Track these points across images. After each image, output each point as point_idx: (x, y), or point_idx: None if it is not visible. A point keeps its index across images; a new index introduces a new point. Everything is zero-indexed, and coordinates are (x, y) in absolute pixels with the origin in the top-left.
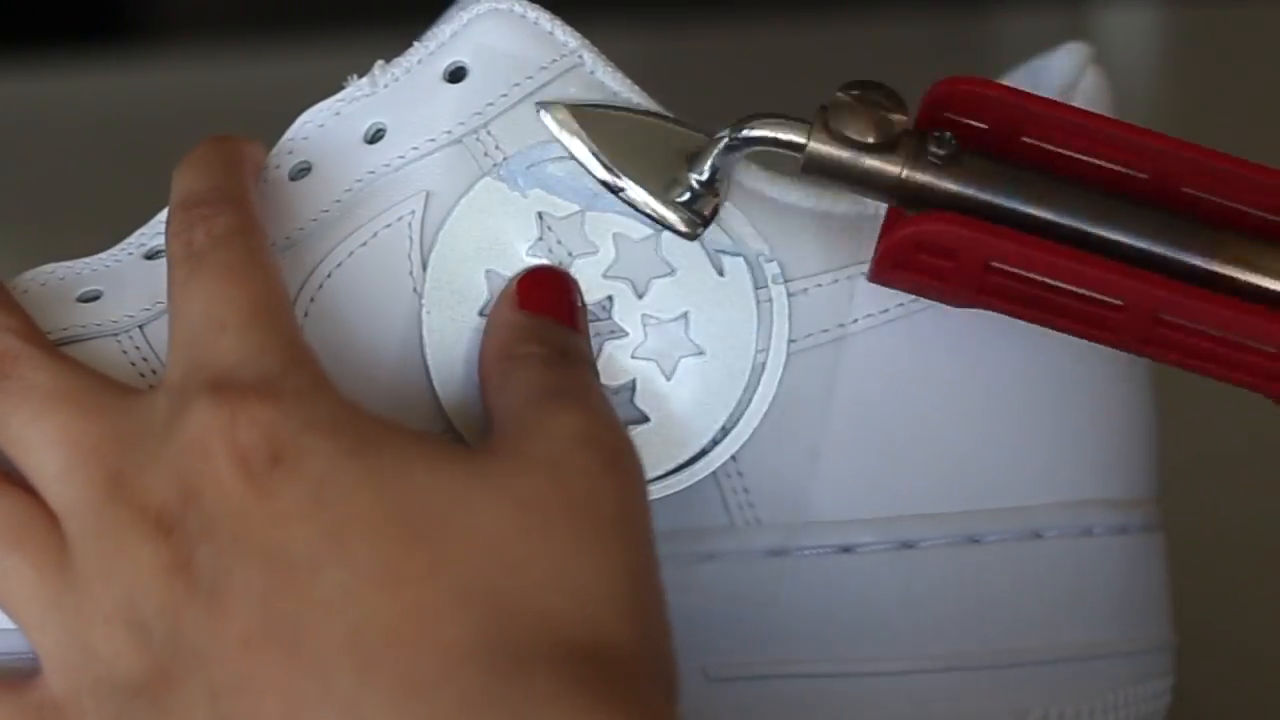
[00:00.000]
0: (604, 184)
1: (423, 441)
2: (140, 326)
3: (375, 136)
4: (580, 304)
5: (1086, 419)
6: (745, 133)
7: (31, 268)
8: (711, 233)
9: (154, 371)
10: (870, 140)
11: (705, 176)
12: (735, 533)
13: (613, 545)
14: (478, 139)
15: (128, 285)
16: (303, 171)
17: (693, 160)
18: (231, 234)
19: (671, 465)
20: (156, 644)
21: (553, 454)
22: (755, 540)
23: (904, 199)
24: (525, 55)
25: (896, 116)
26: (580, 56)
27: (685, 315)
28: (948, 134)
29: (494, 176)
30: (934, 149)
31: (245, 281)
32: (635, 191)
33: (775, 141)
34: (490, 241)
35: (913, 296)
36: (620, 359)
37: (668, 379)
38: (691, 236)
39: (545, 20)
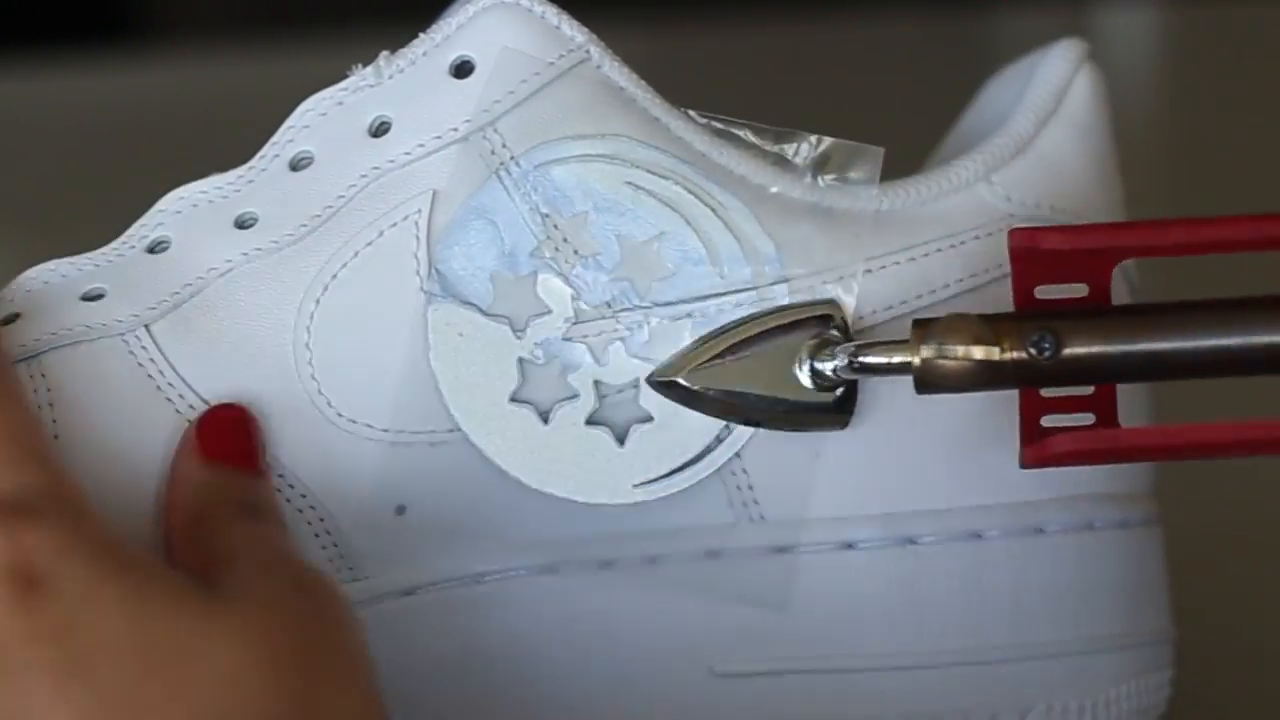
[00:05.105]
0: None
1: (167, 573)
2: (146, 326)
3: (380, 130)
4: (260, 442)
5: None
6: (862, 361)
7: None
8: (717, 233)
9: (162, 373)
10: (969, 350)
11: (824, 381)
12: (739, 530)
13: (337, 680)
14: (484, 137)
15: (131, 282)
16: (304, 161)
17: (814, 356)
18: None
19: (676, 464)
20: None
21: (270, 599)
22: (759, 537)
23: (1028, 383)
24: (532, 50)
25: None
26: (587, 52)
27: (690, 315)
28: (1045, 335)
29: (500, 176)
30: (1033, 351)
31: None
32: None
33: (886, 368)
34: (496, 242)
35: (917, 294)
36: (624, 358)
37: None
38: (843, 424)
39: (552, 15)
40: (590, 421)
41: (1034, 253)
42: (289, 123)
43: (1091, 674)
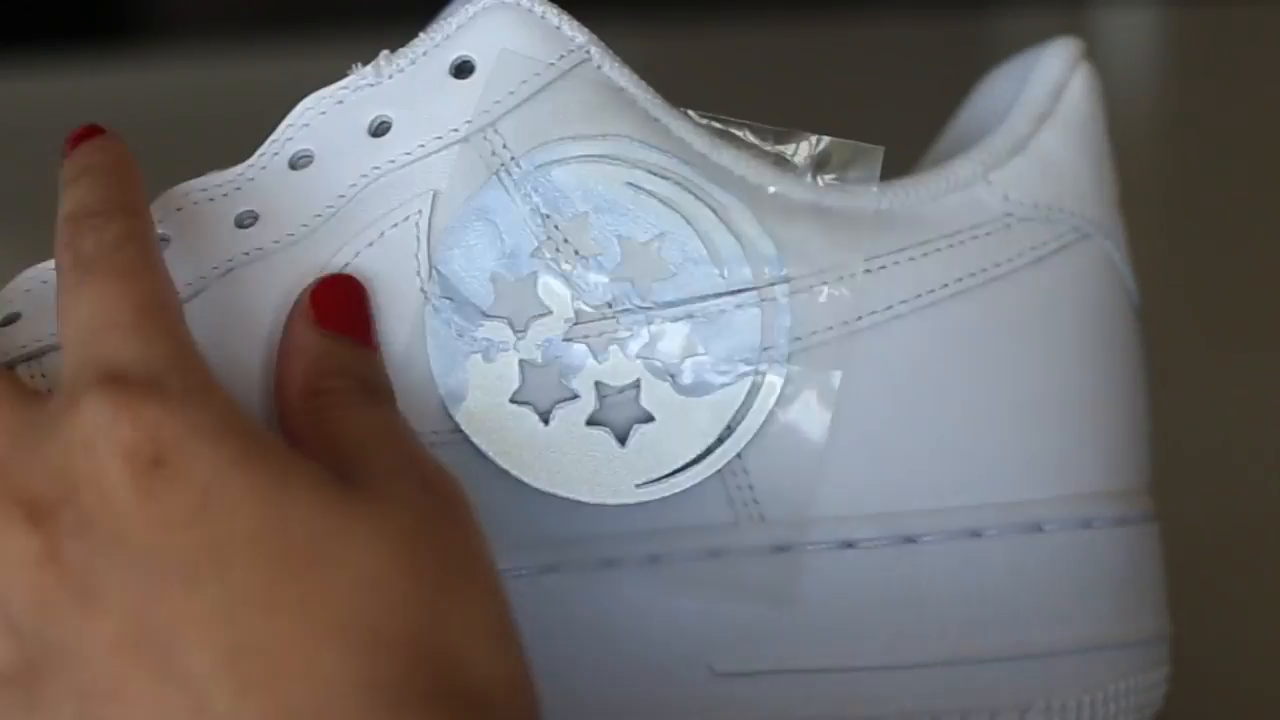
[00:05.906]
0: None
1: (304, 462)
2: None
3: (380, 129)
4: (370, 312)
5: (1085, 412)
6: None
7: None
8: (717, 233)
9: None
10: None
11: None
12: (740, 530)
13: (476, 588)
14: (484, 138)
15: None
16: (304, 159)
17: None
18: (122, 241)
19: (677, 464)
20: (25, 637)
21: (407, 497)
22: (760, 537)
23: None
24: (533, 51)
25: None
26: (588, 52)
27: (690, 315)
28: None
29: (501, 176)
30: None
31: (135, 282)
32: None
33: None
34: (497, 243)
35: (916, 294)
36: (625, 359)
37: (672, 378)
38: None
39: (552, 15)
40: (591, 422)
41: None
42: (288, 121)
43: (1090, 671)
